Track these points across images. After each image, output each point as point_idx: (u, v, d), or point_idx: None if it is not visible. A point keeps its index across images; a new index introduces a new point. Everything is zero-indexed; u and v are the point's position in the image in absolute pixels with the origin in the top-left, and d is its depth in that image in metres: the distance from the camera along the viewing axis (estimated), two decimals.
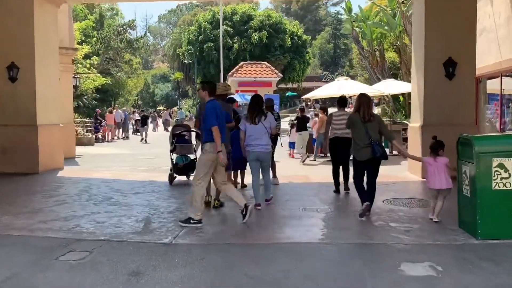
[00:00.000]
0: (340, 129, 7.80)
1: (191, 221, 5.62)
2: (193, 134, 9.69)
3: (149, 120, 25.23)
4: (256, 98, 7.04)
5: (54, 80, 11.14)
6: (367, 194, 6.12)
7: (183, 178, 9.58)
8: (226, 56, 40.07)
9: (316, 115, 15.92)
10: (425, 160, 6.02)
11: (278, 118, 9.23)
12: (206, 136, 5.75)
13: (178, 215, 6.31)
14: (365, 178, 6.28)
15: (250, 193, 7.90)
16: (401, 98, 23.97)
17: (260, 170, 6.90)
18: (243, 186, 8.81)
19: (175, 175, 9.31)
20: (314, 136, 14.64)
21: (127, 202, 7.21)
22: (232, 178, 8.88)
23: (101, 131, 24.89)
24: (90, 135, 22.65)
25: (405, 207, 6.81)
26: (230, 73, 28.01)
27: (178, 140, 9.46)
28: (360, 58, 30.51)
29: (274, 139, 8.08)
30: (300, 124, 13.57)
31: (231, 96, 8.27)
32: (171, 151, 9.46)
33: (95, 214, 6.36)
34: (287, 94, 50.56)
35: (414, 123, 10.00)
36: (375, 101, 27.75)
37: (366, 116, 6.12)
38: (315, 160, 13.60)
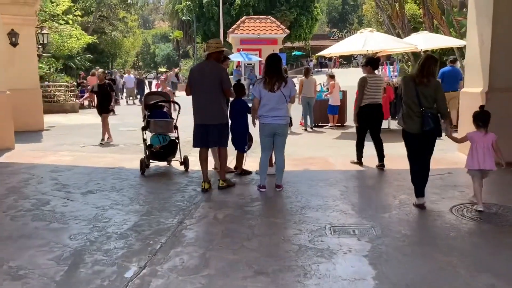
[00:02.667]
0: (373, 95, 6.83)
1: None
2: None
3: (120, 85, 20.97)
4: (274, 59, 5.51)
5: None
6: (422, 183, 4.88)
7: (162, 164, 7.20)
8: (227, 11, 36.91)
9: (332, 77, 13.27)
10: (471, 136, 4.85)
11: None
12: None
13: (133, 243, 3.94)
14: None
15: (251, 189, 5.47)
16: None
17: (272, 148, 5.68)
18: (243, 172, 6.59)
19: (150, 160, 6.91)
20: (330, 103, 12.11)
21: (65, 213, 4.82)
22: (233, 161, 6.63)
23: (88, 96, 22.30)
24: (76, 100, 20.11)
25: (496, 225, 4.36)
26: (231, 30, 25.11)
27: (153, 114, 6.99)
28: (376, 11, 27.32)
29: None
30: None
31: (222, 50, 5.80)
32: (144, 129, 6.99)
33: None
34: (293, 53, 47.30)
35: (472, 87, 7.40)
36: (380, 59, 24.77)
37: (423, 78, 4.74)
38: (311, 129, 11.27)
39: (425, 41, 11.46)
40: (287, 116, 5.52)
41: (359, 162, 7.05)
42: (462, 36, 18.17)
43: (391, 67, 16.63)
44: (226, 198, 5.40)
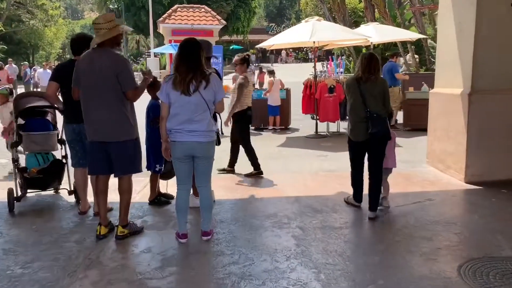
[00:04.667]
0: (250, 96, 6.30)
1: None
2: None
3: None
4: (189, 45, 3.69)
5: None
6: (371, 195, 4.39)
7: (47, 193, 5.17)
8: (159, 1, 34.32)
9: (271, 72, 11.60)
10: None
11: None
12: None
13: None
14: None
15: (166, 239, 3.61)
16: (364, 50, 20.20)
17: (192, 176, 3.88)
18: (160, 198, 4.99)
19: (25, 190, 4.88)
20: (269, 103, 10.49)
21: None
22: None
23: None
24: None
25: None
26: (161, 19, 22.82)
27: (29, 124, 4.92)
28: (316, 3, 26.25)
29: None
30: None
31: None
32: (14, 145, 4.89)
33: None
34: (231, 47, 45.51)
35: (446, 88, 6.03)
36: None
37: (371, 75, 4.29)
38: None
39: (377, 33, 10.13)
40: (211, 131, 3.71)
41: (232, 170, 6.35)
42: (407, 29, 17.37)
43: (336, 62, 15.36)
44: (123, 260, 3.53)
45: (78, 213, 4.56)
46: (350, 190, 4.86)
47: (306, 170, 6.58)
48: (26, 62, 21.93)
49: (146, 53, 34.89)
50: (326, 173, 6.32)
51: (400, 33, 11.49)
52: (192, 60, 3.57)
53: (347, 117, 4.67)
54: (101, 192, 3.92)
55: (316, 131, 9.66)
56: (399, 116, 10.37)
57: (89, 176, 4.27)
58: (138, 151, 3.91)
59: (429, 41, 17.59)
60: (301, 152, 7.96)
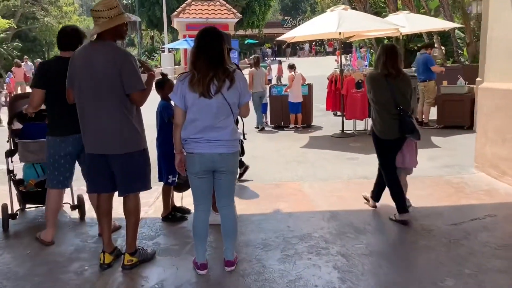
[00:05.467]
0: None
1: None
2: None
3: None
4: (210, 35, 2.99)
5: None
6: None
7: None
8: None
9: (291, 67, 10.84)
10: None
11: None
12: None
13: None
14: None
15: (183, 268, 2.97)
16: (387, 41, 19.26)
17: (212, 193, 3.20)
18: (175, 212, 4.36)
19: (22, 205, 4.31)
20: (290, 99, 9.76)
21: None
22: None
23: (5, 89, 18.81)
24: None
25: None
26: (175, 13, 22.20)
27: (27, 130, 4.31)
28: None
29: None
30: None
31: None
32: (8, 155, 4.28)
33: None
34: (246, 41, 44.74)
35: (504, 82, 5.23)
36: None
37: (400, 71, 4.03)
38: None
39: (409, 22, 9.30)
40: (235, 140, 3.04)
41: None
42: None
43: (361, 54, 14.51)
44: None
45: (36, 237, 3.75)
46: (392, 201, 4.15)
47: (337, 176, 5.87)
48: (39, 60, 21.58)
49: (161, 49, 34.40)
50: (361, 180, 5.60)
51: (432, 23, 10.61)
52: (213, 54, 2.89)
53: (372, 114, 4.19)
54: (104, 213, 3.28)
55: (342, 130, 8.92)
56: (433, 112, 9.54)
57: (88, 194, 3.63)
58: (146, 164, 3.25)
59: (456, 31, 16.62)
60: (328, 154, 7.24)
